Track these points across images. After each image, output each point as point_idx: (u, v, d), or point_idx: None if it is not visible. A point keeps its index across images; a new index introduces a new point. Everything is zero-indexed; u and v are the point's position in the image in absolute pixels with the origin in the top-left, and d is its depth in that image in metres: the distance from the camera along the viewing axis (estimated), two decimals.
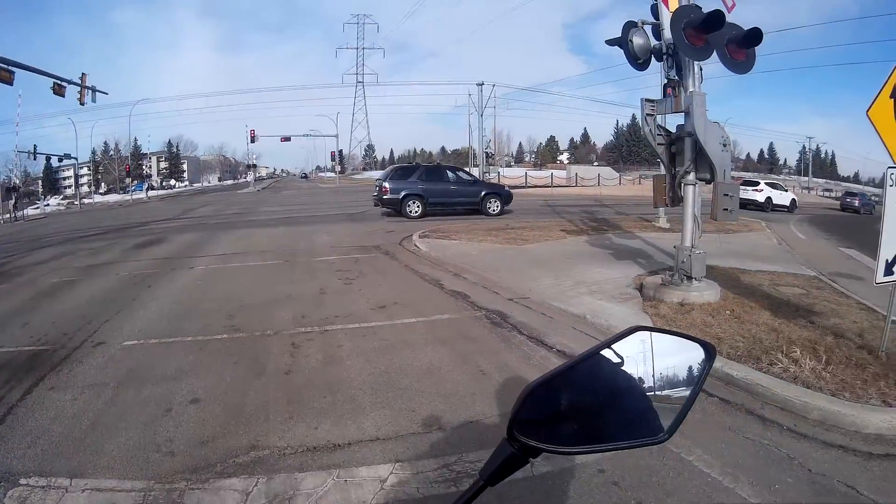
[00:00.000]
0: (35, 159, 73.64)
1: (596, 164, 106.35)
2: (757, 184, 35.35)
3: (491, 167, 57.53)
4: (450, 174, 23.35)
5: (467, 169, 33.43)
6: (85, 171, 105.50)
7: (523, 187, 49.49)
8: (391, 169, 26.16)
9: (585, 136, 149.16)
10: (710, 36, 7.25)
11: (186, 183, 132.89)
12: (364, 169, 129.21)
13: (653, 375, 1.12)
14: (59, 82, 27.97)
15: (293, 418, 4.83)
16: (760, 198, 33.00)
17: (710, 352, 1.17)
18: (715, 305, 7.33)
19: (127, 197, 77.63)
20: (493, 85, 59.13)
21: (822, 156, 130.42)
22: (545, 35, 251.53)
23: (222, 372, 6.05)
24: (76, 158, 72.05)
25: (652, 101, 8.13)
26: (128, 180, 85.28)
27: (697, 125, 7.39)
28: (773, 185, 35.90)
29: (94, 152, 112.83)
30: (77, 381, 6.05)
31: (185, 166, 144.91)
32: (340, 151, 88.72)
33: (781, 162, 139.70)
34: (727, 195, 7.33)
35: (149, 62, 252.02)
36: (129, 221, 31.82)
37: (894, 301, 5.54)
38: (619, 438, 1.07)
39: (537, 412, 1.08)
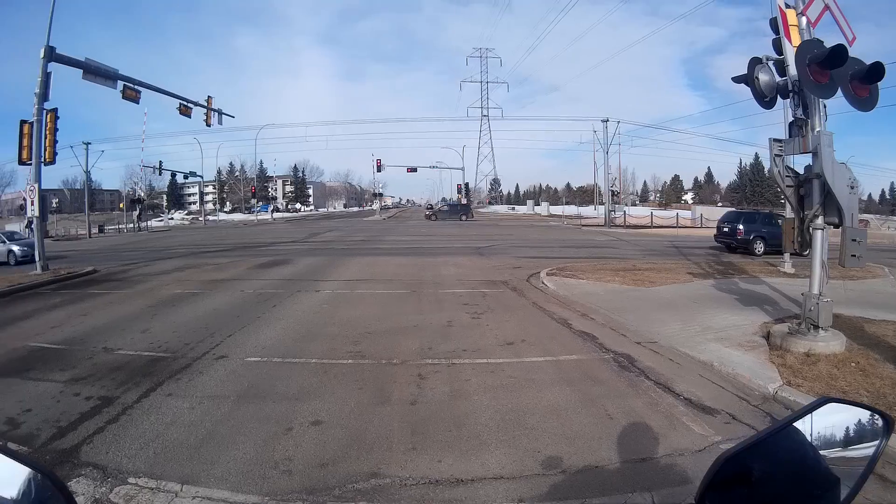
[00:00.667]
0: (160, 174, 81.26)
1: (720, 204, 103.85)
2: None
3: (616, 205, 57.10)
4: (777, 220, 25.94)
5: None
6: (210, 189, 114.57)
7: (649, 227, 50.94)
8: (735, 214, 29.78)
9: (709, 175, 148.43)
10: (834, 72, 7.12)
11: (312, 207, 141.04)
12: (490, 203, 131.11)
13: (836, 446, 1.22)
14: (185, 103, 30.63)
15: (416, 449, 4.90)
16: None
17: (889, 424, 1.26)
18: (840, 357, 7.31)
19: (251, 217, 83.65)
20: (618, 122, 60.10)
21: None
22: (664, 70, 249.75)
23: (346, 397, 6.27)
24: (201, 176, 78.59)
25: (780, 140, 8.09)
26: (253, 201, 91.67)
27: (825, 166, 7.28)
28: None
29: (219, 171, 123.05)
30: (196, 390, 6.51)
31: (310, 191, 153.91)
32: (466, 184, 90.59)
33: None
34: (855, 240, 7.35)
35: (273, 87, 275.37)
36: (255, 241, 34.17)
37: None
38: None
39: (728, 482, 1.13)
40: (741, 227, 26.40)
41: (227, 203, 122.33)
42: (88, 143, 59.84)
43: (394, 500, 4.10)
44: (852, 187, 7.46)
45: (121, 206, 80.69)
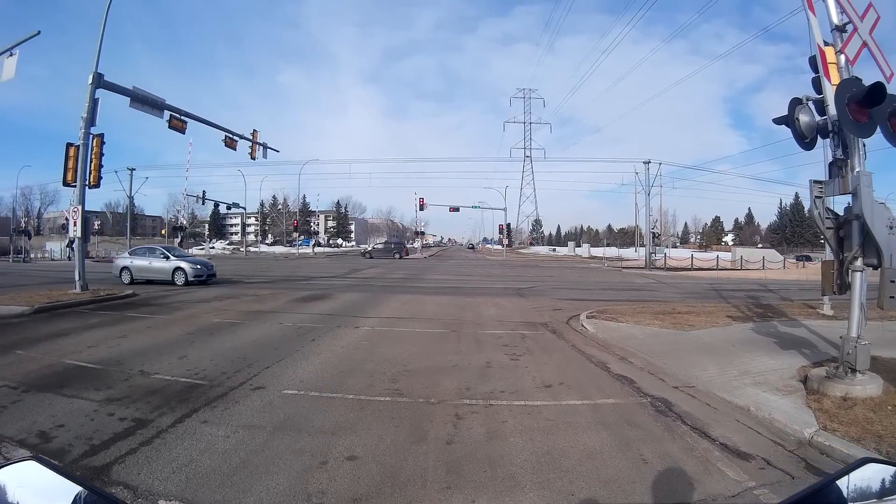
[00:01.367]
0: (203, 204, 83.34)
1: (760, 245, 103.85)
2: None
3: (657, 247, 57.48)
4: None
5: None
6: (252, 220, 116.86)
7: (689, 269, 51.45)
8: None
9: (749, 216, 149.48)
10: (873, 110, 7.07)
11: (353, 243, 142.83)
12: (531, 244, 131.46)
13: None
14: (231, 136, 31.60)
15: (451, 488, 4.90)
16: None
17: None
18: (877, 400, 7.29)
19: (293, 250, 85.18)
20: (660, 163, 60.23)
21: None
22: (705, 109, 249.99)
23: (383, 433, 6.28)
24: (244, 208, 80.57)
25: (820, 182, 8.06)
26: (295, 234, 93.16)
27: (865, 207, 7.22)
28: None
29: (262, 204, 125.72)
30: (232, 419, 6.60)
31: (352, 227, 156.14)
32: (508, 225, 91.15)
33: None
34: (894, 282, 7.36)
35: (317, 123, 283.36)
36: (295, 274, 34.72)
37: None
38: None
39: None
40: None
41: (269, 235, 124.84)
42: (133, 169, 62.03)
43: None
44: (891, 227, 7.43)
45: (162, 231, 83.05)
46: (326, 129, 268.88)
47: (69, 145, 20.07)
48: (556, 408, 7.44)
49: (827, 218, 8.06)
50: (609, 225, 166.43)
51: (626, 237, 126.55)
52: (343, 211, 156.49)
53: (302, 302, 19.17)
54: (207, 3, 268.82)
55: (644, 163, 58.24)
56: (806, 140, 8.24)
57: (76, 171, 19.78)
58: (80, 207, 19.64)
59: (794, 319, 14.99)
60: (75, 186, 19.90)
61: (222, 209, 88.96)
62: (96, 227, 63.00)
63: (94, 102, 19.92)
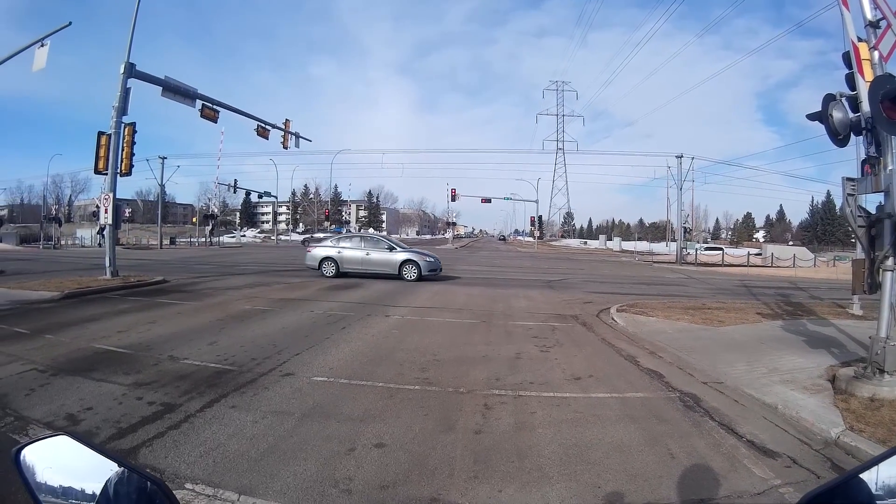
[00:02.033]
0: (235, 192, 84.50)
1: (791, 243, 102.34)
2: None
3: (688, 242, 56.80)
4: None
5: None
6: (283, 209, 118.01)
7: (720, 265, 51.35)
8: None
9: (781, 213, 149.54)
10: None
11: (385, 233, 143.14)
12: (562, 236, 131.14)
13: None
14: (263, 125, 31.82)
15: (478, 478, 4.90)
16: None
17: None
18: None
19: None
20: (692, 158, 60.15)
21: None
22: (738, 105, 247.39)
23: (411, 422, 6.30)
24: (276, 196, 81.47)
25: (853, 179, 7.97)
26: (326, 223, 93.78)
27: None
28: None
29: (293, 193, 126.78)
30: (261, 405, 6.66)
31: (384, 216, 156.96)
32: (540, 217, 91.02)
33: None
34: None
35: (350, 114, 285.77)
36: None
37: None
38: None
39: None
40: None
41: (301, 224, 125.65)
42: (164, 158, 63.09)
43: None
44: None
45: (193, 220, 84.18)
46: (358, 121, 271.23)
47: (101, 134, 20.36)
48: (584, 400, 7.44)
49: (859, 216, 8.00)
50: (640, 219, 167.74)
51: (657, 232, 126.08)
52: (375, 201, 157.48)
53: (332, 290, 19.28)
54: None
55: (677, 157, 58.38)
56: (839, 137, 8.15)
57: (107, 159, 20.07)
58: (111, 195, 19.93)
59: (824, 318, 14.93)
60: (106, 174, 20.19)
61: (254, 198, 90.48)
62: (127, 214, 63.73)
63: (125, 92, 20.19)
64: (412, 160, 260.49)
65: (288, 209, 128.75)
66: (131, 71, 20.18)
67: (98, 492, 1.22)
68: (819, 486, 1.17)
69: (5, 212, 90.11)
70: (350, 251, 23.89)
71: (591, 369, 9.14)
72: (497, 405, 7.04)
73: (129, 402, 6.54)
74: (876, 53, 7.88)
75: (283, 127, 33.59)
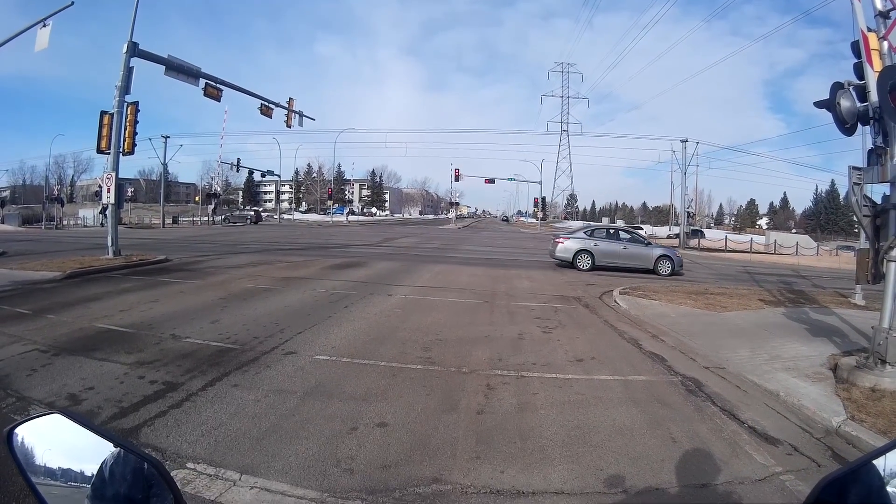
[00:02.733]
0: (238, 171, 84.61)
1: (794, 231, 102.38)
2: None
3: (691, 227, 56.80)
4: None
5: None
6: (286, 188, 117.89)
7: (723, 251, 51.58)
8: None
9: (785, 200, 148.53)
10: None
11: (387, 212, 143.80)
12: (565, 218, 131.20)
13: None
14: (266, 104, 31.69)
15: (480, 458, 4.92)
16: None
17: None
18: None
19: (327, 218, 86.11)
20: (697, 143, 59.99)
21: None
22: (744, 92, 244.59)
23: (413, 401, 6.32)
24: (279, 175, 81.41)
25: (859, 169, 7.96)
26: (329, 203, 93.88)
27: None
28: None
29: (297, 172, 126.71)
30: (263, 384, 6.67)
31: (387, 196, 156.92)
32: (543, 198, 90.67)
33: None
34: None
35: (354, 93, 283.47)
36: (329, 242, 35.09)
37: None
38: None
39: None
40: None
41: (303, 203, 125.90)
42: (167, 137, 62.97)
43: None
44: None
45: (196, 199, 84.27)
46: (363, 101, 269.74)
47: (103, 113, 20.31)
48: (587, 382, 7.47)
49: (864, 206, 8.00)
50: (644, 202, 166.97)
51: (660, 215, 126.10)
52: (378, 180, 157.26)
53: (335, 269, 19.32)
54: None
55: (681, 141, 58.45)
56: (846, 126, 8.12)
57: (110, 138, 20.02)
58: (113, 174, 19.89)
59: (826, 307, 14.98)
60: (109, 154, 20.16)
61: (256, 177, 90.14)
62: (129, 193, 63.78)
63: (128, 71, 20.11)
64: (416, 140, 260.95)
65: (291, 188, 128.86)
66: (134, 50, 20.06)
67: (93, 472, 1.19)
68: (833, 472, 1.19)
69: (7, 193, 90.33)
70: (607, 244, 23.39)
71: (593, 351, 9.17)
72: (499, 386, 7.07)
73: (131, 381, 6.54)
74: (885, 44, 7.84)
75: (287, 105, 33.43)
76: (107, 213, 21.74)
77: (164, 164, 64.23)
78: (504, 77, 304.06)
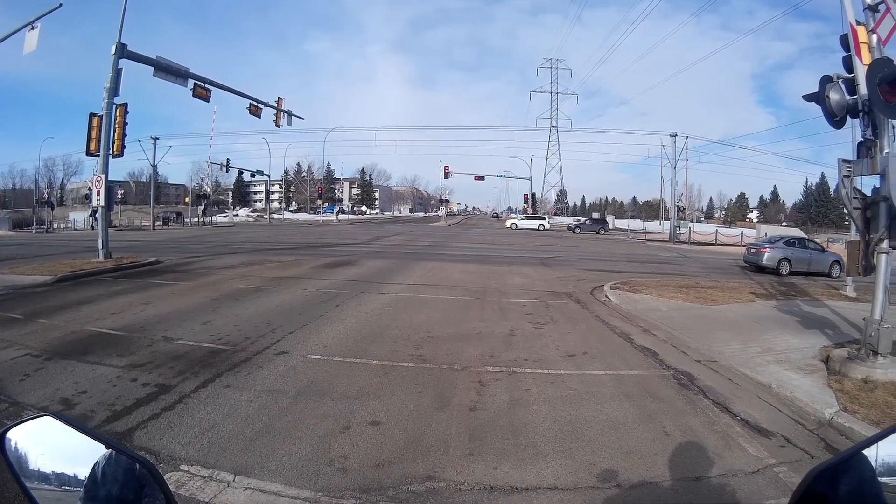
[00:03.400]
0: (227, 171, 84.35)
1: (784, 224, 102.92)
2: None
3: (681, 221, 57.57)
4: None
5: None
6: (276, 188, 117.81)
7: (713, 244, 51.40)
8: None
9: (775, 194, 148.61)
10: None
11: (377, 210, 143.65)
12: (556, 214, 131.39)
13: None
14: (255, 103, 31.65)
15: (473, 455, 4.95)
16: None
17: None
18: None
19: (317, 217, 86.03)
20: (687, 137, 59.85)
21: None
22: (734, 86, 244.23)
23: (406, 399, 6.33)
24: (268, 175, 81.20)
25: (849, 161, 8.06)
26: (319, 202, 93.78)
27: (893, 189, 7.17)
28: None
29: (286, 171, 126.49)
30: (255, 384, 6.68)
31: (377, 194, 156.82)
32: (533, 194, 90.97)
33: None
34: None
35: (343, 91, 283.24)
36: (319, 241, 35.00)
37: None
38: None
39: (817, 495, 1.22)
40: None
41: (293, 202, 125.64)
42: (157, 138, 62.44)
43: None
44: None
45: (186, 200, 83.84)
46: (353, 99, 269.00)
47: (92, 115, 20.19)
48: (579, 377, 7.50)
49: (854, 198, 8.08)
50: (634, 197, 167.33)
51: (650, 210, 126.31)
52: (368, 178, 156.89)
53: (326, 268, 19.28)
54: None
55: (671, 136, 58.60)
56: (836, 119, 8.21)
57: (99, 140, 19.91)
58: (103, 176, 19.78)
59: (817, 299, 15.12)
60: (99, 156, 20.04)
61: (246, 177, 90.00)
62: (120, 195, 63.30)
63: (117, 72, 20.00)
64: (405, 137, 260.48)
65: (281, 188, 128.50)
66: (123, 51, 19.94)
67: (85, 474, 1.19)
68: (824, 462, 1.20)
69: None
70: (800, 253, 25.88)
71: (585, 346, 9.20)
72: (492, 382, 7.09)
73: (124, 384, 6.54)
74: (874, 37, 7.93)
75: (276, 105, 33.36)
76: (97, 215, 21.65)
77: (154, 166, 63.78)
78: (493, 73, 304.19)
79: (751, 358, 8.70)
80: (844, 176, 7.99)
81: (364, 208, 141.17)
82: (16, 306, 11.27)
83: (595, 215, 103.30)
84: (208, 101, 25.92)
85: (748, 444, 5.39)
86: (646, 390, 7.04)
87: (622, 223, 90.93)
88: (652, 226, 79.57)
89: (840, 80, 8.17)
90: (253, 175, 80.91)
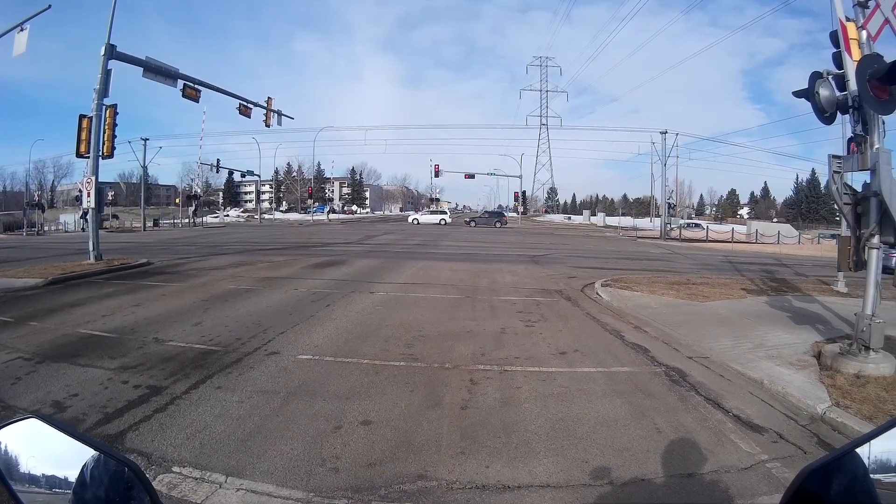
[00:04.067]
0: (217, 172, 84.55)
1: (775, 220, 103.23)
2: None
3: (672, 218, 58.15)
4: None
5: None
6: (266, 188, 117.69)
7: (704, 241, 51.56)
8: None
9: (766, 190, 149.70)
10: (894, 88, 6.99)
11: (368, 210, 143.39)
12: (546, 212, 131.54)
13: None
14: (244, 104, 31.62)
15: (465, 454, 4.95)
16: None
17: None
18: (890, 380, 7.34)
19: (307, 217, 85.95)
20: (677, 134, 60.54)
21: None
22: (724, 82, 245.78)
23: (397, 398, 6.33)
24: (259, 176, 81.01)
25: (839, 157, 8.04)
26: (310, 201, 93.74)
27: (883, 185, 7.17)
28: None
29: (276, 171, 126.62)
30: (247, 385, 6.66)
31: (367, 194, 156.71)
32: (524, 192, 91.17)
33: None
34: None
35: (333, 91, 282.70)
36: (310, 241, 34.93)
37: None
38: None
39: (809, 494, 1.21)
40: None
41: (284, 202, 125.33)
42: (146, 139, 62.36)
43: None
44: None
45: (176, 201, 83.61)
46: (342, 98, 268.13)
47: (82, 117, 20.08)
48: (570, 375, 7.49)
49: (845, 193, 8.06)
50: (625, 194, 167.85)
51: (641, 207, 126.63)
52: (358, 178, 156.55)
53: (317, 268, 19.26)
54: None
55: (661, 133, 59.05)
56: (826, 115, 8.20)
57: (89, 142, 19.80)
58: (93, 178, 19.68)
59: (809, 295, 15.10)
60: (89, 157, 19.93)
61: (236, 177, 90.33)
62: (110, 197, 62.94)
63: (106, 74, 19.89)
64: (395, 136, 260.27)
65: (271, 188, 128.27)
66: (112, 52, 19.83)
67: (73, 476, 1.18)
68: (816, 460, 1.20)
69: None
70: None
71: (576, 344, 9.19)
72: (483, 380, 7.09)
73: (115, 386, 6.52)
74: (864, 33, 7.92)
75: (266, 105, 33.30)
76: (87, 217, 21.54)
77: (144, 167, 63.63)
78: (483, 71, 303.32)
79: (742, 353, 8.69)
80: (835, 172, 7.99)
81: (355, 208, 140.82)
82: (7, 309, 11.20)
83: (496, 208, 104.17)
84: (198, 102, 25.85)
85: (740, 440, 5.39)
86: (637, 387, 7.04)
87: (613, 220, 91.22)
88: (643, 223, 79.79)
89: (830, 77, 8.17)
90: (243, 175, 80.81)
